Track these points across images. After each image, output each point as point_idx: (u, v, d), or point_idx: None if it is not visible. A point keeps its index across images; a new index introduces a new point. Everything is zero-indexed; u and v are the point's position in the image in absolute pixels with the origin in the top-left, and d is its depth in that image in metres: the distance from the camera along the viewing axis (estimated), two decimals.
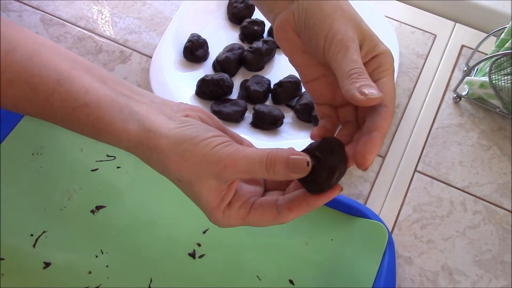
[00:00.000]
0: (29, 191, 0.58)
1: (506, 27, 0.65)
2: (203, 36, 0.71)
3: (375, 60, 0.43)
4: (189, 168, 0.40)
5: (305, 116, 0.64)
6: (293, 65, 0.47)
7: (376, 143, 0.39)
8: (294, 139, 0.64)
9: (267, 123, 0.63)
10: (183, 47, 0.69)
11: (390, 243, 0.55)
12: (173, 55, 0.68)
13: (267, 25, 0.72)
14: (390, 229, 0.59)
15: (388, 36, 0.71)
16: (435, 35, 0.75)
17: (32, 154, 0.60)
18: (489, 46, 0.68)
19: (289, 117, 0.66)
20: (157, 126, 0.41)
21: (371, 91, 0.38)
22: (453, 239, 0.59)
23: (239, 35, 0.73)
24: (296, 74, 0.65)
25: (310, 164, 0.38)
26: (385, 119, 0.40)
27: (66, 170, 0.60)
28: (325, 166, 0.38)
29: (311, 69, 0.46)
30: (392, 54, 0.43)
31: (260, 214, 0.41)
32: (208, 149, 0.39)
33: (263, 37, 0.72)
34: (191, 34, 0.69)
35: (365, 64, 0.42)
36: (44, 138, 0.61)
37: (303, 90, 0.66)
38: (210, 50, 0.71)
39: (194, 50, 0.68)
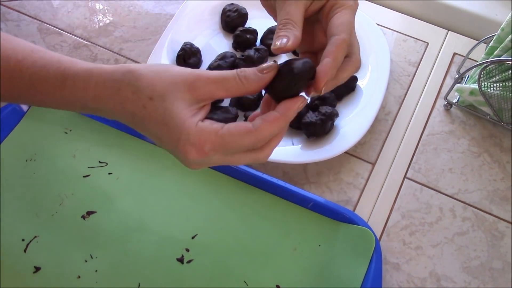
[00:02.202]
0: (22, 197, 0.59)
1: (495, 35, 0.65)
2: (197, 44, 0.72)
3: (332, 1, 0.46)
4: (162, 82, 0.41)
5: (296, 123, 0.65)
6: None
7: (327, 68, 0.42)
8: (285, 145, 0.64)
9: None
10: (176, 55, 0.70)
11: (377, 249, 0.56)
12: (166, 63, 0.69)
13: (260, 33, 0.73)
14: (378, 236, 0.60)
15: (379, 44, 0.72)
16: (428, 43, 0.76)
17: (26, 161, 0.61)
18: (481, 53, 0.69)
19: None
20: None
21: (280, 41, 0.43)
22: (441, 246, 0.59)
23: (232, 44, 0.73)
24: None
25: (276, 63, 0.42)
26: (336, 46, 0.43)
27: (59, 176, 0.61)
28: (289, 71, 0.42)
29: None
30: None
31: (235, 126, 0.41)
32: (183, 68, 0.42)
33: (255, 45, 0.73)
34: (184, 43, 0.70)
35: (323, 6, 0.46)
36: (37, 145, 0.62)
37: None
38: (203, 58, 0.72)
39: (187, 58, 0.69)
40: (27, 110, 0.64)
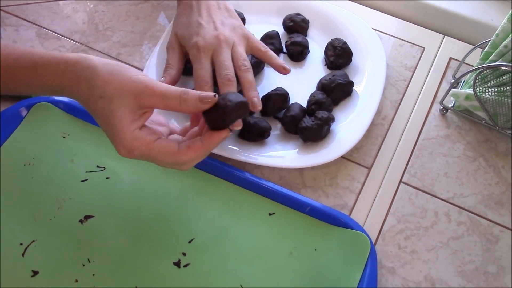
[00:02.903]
0: (20, 201, 0.59)
1: (490, 40, 0.65)
2: None
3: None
4: (114, 85, 0.49)
5: (292, 128, 0.65)
6: None
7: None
8: (281, 150, 0.65)
9: (255, 135, 0.64)
10: None
11: (373, 254, 0.56)
12: (162, 70, 0.70)
13: (257, 38, 0.73)
14: (374, 240, 0.60)
15: (375, 49, 0.72)
16: (424, 48, 0.76)
17: (24, 165, 0.62)
18: (477, 58, 0.69)
19: (276, 129, 0.67)
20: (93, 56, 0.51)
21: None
22: (436, 250, 0.59)
23: None
24: (284, 87, 0.67)
25: (216, 97, 0.50)
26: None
27: (57, 181, 0.61)
28: (224, 106, 0.49)
29: None
30: (196, 45, 0.62)
31: (164, 146, 0.50)
32: (135, 74, 0.50)
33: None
34: None
35: None
36: (36, 150, 0.63)
37: (291, 102, 0.67)
38: None
39: (186, 63, 0.69)
40: (26, 115, 0.65)
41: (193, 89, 0.57)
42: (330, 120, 0.64)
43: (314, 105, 0.66)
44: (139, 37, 0.76)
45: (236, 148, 0.64)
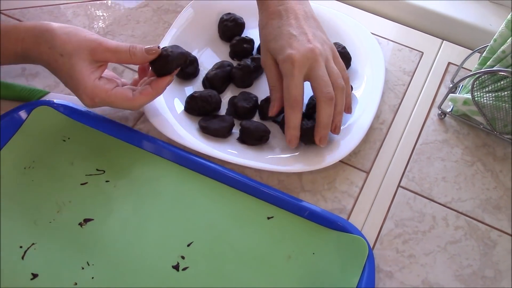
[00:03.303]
0: (20, 204, 0.60)
1: (488, 45, 0.66)
2: (194, 53, 0.73)
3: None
4: (71, 43, 0.56)
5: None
6: None
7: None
8: (280, 154, 0.65)
9: (253, 139, 0.65)
10: None
11: (370, 258, 0.56)
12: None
13: (256, 42, 0.74)
14: (372, 244, 0.60)
15: (374, 53, 0.73)
16: (422, 53, 0.77)
17: (24, 168, 0.62)
18: (475, 63, 0.70)
19: (275, 132, 0.67)
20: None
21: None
22: (434, 254, 0.60)
23: (229, 53, 0.74)
24: None
25: (159, 48, 0.60)
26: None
27: (57, 184, 0.61)
28: (166, 55, 0.60)
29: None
30: (290, 58, 0.59)
31: (120, 93, 0.59)
32: (89, 34, 0.58)
33: (252, 54, 0.74)
34: None
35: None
36: (36, 153, 0.63)
37: None
38: (200, 67, 0.73)
39: (184, 67, 0.70)
40: (26, 118, 0.65)
41: (283, 108, 0.62)
42: None
43: (313, 108, 0.66)
44: (139, 41, 0.76)
45: (235, 152, 0.65)
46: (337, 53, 0.65)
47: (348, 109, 0.65)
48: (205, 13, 0.76)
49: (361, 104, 0.69)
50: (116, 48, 0.58)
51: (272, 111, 0.63)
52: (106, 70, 0.62)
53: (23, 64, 0.63)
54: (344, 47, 0.72)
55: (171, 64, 0.60)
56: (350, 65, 0.72)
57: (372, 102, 0.68)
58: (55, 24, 0.58)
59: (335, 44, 0.72)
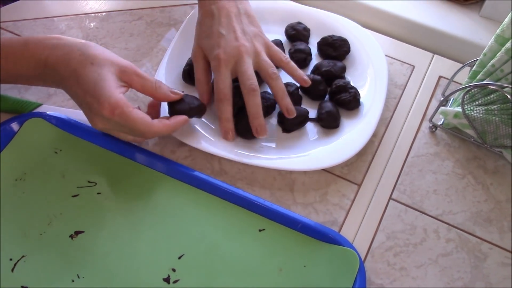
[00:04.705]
0: (10, 216, 0.59)
1: (478, 59, 0.66)
2: None
3: None
4: (104, 57, 0.58)
5: (332, 123, 0.69)
6: None
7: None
8: (275, 154, 0.65)
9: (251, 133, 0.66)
10: (181, 70, 0.72)
11: (361, 270, 0.56)
12: (172, 78, 0.72)
13: None
14: (363, 256, 0.60)
15: (375, 54, 0.76)
16: (414, 66, 0.77)
17: (15, 180, 0.62)
18: (466, 76, 0.70)
19: (275, 134, 0.69)
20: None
21: None
22: (425, 267, 0.60)
23: None
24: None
25: (183, 93, 0.63)
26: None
27: (48, 196, 0.61)
28: (189, 103, 0.63)
29: None
30: (217, 57, 0.64)
31: (141, 113, 0.58)
32: (121, 58, 0.60)
33: None
34: (189, 58, 0.72)
35: None
36: (28, 165, 0.63)
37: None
38: None
39: (192, 74, 0.70)
40: (18, 130, 0.65)
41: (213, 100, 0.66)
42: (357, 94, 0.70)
43: (325, 113, 0.68)
44: (133, 54, 0.77)
45: (236, 150, 0.66)
46: (271, 44, 0.69)
47: (304, 81, 0.68)
48: None
49: (366, 106, 0.71)
50: (144, 75, 0.60)
51: (203, 101, 0.67)
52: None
53: (30, 82, 0.63)
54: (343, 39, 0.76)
55: (189, 114, 0.63)
56: (349, 51, 0.76)
57: (377, 103, 0.70)
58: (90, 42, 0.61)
59: (331, 36, 0.75)
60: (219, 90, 0.64)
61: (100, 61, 0.58)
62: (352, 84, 0.71)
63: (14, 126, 0.65)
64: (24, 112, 0.68)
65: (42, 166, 0.63)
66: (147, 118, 0.59)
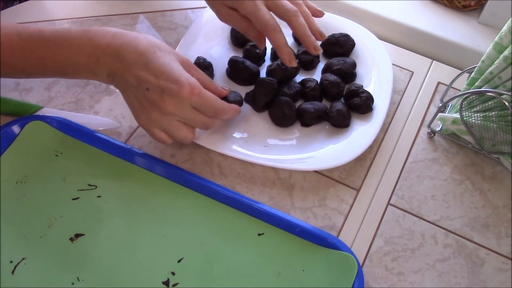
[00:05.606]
0: (11, 219, 0.60)
1: (476, 66, 0.67)
2: (208, 59, 0.74)
3: None
4: (168, 47, 0.60)
5: (342, 121, 0.70)
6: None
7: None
8: (277, 154, 0.66)
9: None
10: None
11: (360, 275, 0.57)
12: None
13: (269, 47, 0.78)
14: (361, 261, 0.61)
15: (381, 58, 0.77)
16: (412, 72, 0.78)
17: (16, 183, 0.62)
18: (464, 83, 0.71)
19: (276, 134, 0.69)
20: None
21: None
22: (423, 272, 0.60)
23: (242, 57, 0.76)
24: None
25: (229, 91, 0.67)
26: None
27: (48, 199, 0.62)
28: (231, 96, 0.66)
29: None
30: None
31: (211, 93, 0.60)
32: None
33: (264, 60, 0.77)
34: (197, 57, 0.73)
35: None
36: (28, 167, 0.64)
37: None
38: (214, 72, 0.75)
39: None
40: (19, 133, 0.65)
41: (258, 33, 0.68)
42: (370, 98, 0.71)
43: (333, 112, 0.69)
44: None
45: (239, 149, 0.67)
46: None
47: (318, 12, 0.70)
48: (217, 20, 0.77)
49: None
50: (198, 69, 0.63)
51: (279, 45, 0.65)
52: None
53: (76, 71, 0.61)
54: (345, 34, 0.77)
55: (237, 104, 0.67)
56: (354, 44, 0.77)
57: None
58: None
59: (332, 35, 0.77)
60: (268, 21, 0.63)
61: (166, 49, 0.59)
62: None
63: (15, 128, 0.66)
64: (25, 114, 0.69)
65: (43, 169, 0.64)
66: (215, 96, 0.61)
